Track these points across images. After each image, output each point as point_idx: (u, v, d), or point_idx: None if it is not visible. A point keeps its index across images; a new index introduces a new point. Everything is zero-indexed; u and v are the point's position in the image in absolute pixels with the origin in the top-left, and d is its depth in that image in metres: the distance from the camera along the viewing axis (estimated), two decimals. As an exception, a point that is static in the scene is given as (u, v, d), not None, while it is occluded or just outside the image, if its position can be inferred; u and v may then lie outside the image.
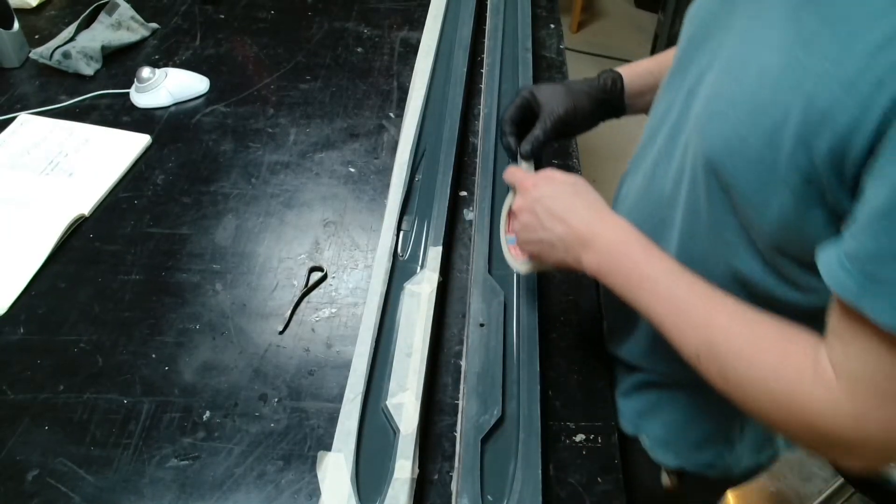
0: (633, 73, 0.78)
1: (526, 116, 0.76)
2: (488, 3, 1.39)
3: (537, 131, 0.73)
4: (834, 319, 0.47)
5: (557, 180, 0.65)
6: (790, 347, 0.48)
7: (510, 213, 0.74)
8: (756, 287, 0.56)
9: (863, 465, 0.49)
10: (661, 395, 0.74)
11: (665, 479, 0.77)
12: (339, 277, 0.89)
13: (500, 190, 0.96)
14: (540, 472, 0.65)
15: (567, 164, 1.08)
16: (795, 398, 0.47)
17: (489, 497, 0.64)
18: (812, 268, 0.48)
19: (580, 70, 0.80)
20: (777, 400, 0.48)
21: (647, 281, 0.56)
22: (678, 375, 0.69)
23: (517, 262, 0.73)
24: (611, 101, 0.77)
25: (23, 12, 1.34)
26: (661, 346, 0.61)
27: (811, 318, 0.51)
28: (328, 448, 0.67)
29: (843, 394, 0.45)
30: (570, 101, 0.74)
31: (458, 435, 0.71)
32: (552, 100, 0.74)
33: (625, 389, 0.78)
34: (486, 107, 1.11)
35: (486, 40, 1.29)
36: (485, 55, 1.26)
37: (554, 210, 0.62)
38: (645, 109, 0.76)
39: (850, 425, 0.45)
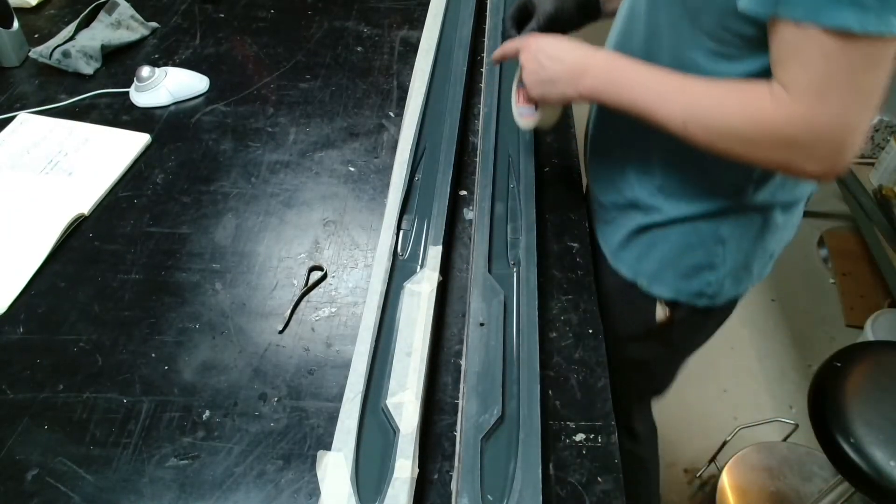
0: None
1: (523, 16, 0.94)
2: (488, 2, 1.38)
3: (532, 25, 0.91)
4: (772, 53, 0.61)
5: (550, 36, 0.82)
6: (750, 90, 0.64)
7: (519, 87, 0.92)
8: (705, 71, 0.70)
9: (823, 168, 0.62)
10: (654, 235, 0.87)
11: (659, 314, 0.91)
12: (338, 277, 0.89)
13: (500, 189, 0.97)
14: (540, 471, 0.65)
15: (568, 164, 1.08)
16: (763, 120, 0.62)
17: (489, 497, 0.64)
18: (748, 39, 0.64)
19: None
20: (750, 127, 0.63)
21: (635, 82, 0.72)
22: (663, 207, 0.84)
23: (528, 122, 0.91)
24: (590, 4, 0.94)
25: (22, 11, 1.34)
26: (643, 176, 0.84)
27: None
28: (328, 447, 0.67)
29: (793, 103, 0.60)
30: (559, 1, 0.91)
31: (458, 434, 0.71)
32: (544, 0, 0.92)
33: (621, 240, 0.91)
34: (486, 106, 1.11)
35: (485, 39, 1.29)
36: (484, 54, 1.26)
37: (552, 54, 0.79)
38: (615, 12, 0.90)
39: (804, 126, 0.60)
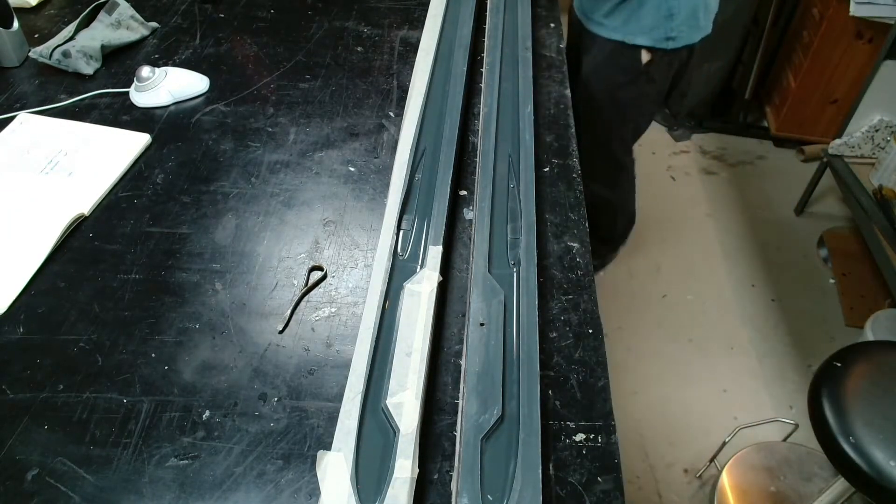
0: None
1: None
2: (488, 2, 1.38)
3: None
4: None
5: None
6: None
7: None
8: None
9: None
10: (631, 4, 1.38)
11: (644, 57, 1.44)
12: (338, 277, 0.89)
13: (499, 189, 0.96)
14: (540, 471, 0.65)
15: (567, 163, 1.08)
16: None
17: (489, 496, 0.64)
18: None
19: (580, 69, 0.90)
20: None
21: None
22: None
23: None
24: None
25: (22, 11, 1.34)
26: None
27: None
28: (328, 447, 0.67)
29: None
30: None
31: (458, 434, 0.71)
32: None
33: (606, 12, 1.43)
34: (486, 106, 1.11)
35: (485, 39, 1.29)
36: (485, 54, 1.26)
37: None
38: None
39: None
